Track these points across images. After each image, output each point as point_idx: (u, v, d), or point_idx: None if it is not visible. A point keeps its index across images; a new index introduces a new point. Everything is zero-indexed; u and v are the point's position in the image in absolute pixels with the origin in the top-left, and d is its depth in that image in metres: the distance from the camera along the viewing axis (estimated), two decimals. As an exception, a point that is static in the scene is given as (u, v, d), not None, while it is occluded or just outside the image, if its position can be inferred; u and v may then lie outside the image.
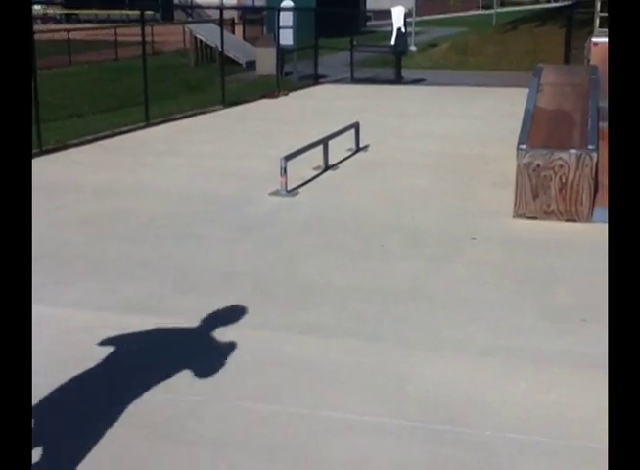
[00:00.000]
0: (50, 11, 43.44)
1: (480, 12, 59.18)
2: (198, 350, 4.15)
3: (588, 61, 10.00)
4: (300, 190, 7.65)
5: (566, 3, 47.51)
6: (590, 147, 6.58)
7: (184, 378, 3.82)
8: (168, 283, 5.15)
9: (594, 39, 9.95)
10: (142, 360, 4.02)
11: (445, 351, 4.16)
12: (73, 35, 22.97)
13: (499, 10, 46.87)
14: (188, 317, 4.55)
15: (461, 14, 58.26)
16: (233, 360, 4.03)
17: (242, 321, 4.52)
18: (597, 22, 10.47)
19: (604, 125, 7.54)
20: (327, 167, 8.54)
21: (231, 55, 19.70)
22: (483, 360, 4.04)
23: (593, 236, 6.18)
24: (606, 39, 9.68)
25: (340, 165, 8.82)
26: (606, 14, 10.17)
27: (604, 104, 8.09)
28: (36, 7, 11.86)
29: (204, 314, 4.61)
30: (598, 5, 10.52)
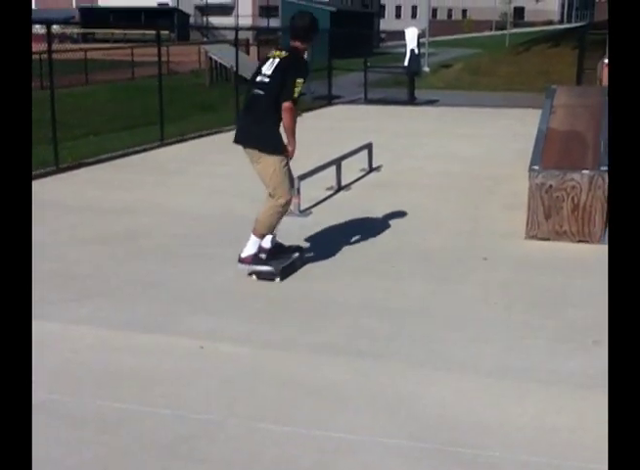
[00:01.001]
0: (67, 30, 43.93)
1: (493, 33, 59.42)
2: (208, 368, 4.17)
3: (600, 82, 10.04)
4: (313, 210, 7.69)
5: (578, 24, 47.66)
6: (603, 168, 6.59)
7: (196, 397, 3.85)
8: (180, 303, 5.19)
9: (606, 60, 9.99)
10: (152, 379, 4.05)
11: (455, 371, 4.16)
12: (90, 55, 23.22)
13: (512, 31, 47.06)
14: (199, 337, 4.58)
15: (474, 35, 58.49)
16: (244, 379, 4.05)
17: (253, 340, 4.54)
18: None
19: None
20: (340, 188, 8.58)
21: (245, 75, 19.82)
22: (493, 381, 4.04)
23: (605, 257, 6.16)
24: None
25: (352, 186, 8.86)
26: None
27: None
28: (55, 27, 11.97)
29: (215, 333, 4.64)
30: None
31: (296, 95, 5.25)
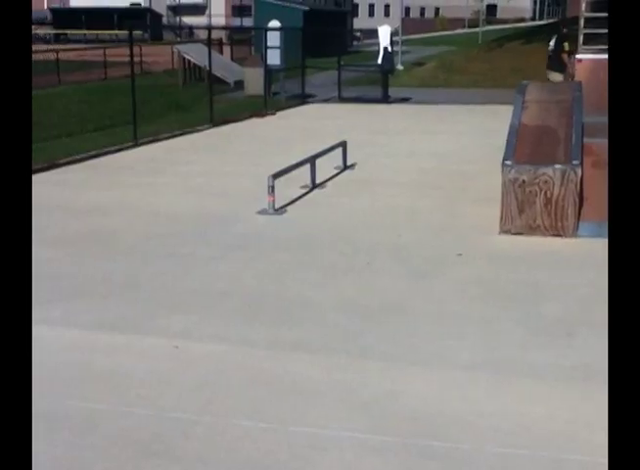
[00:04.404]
0: (40, 31, 43.58)
1: (466, 30, 59.68)
2: (183, 368, 4.15)
3: (572, 77, 10.11)
4: (288, 208, 7.69)
5: (550, 21, 47.95)
6: (575, 162, 6.65)
7: (171, 396, 3.83)
8: (155, 302, 5.16)
9: (578, 56, 10.07)
10: (127, 380, 4.02)
11: (430, 366, 4.18)
12: (62, 55, 23.03)
13: (485, 28, 47.33)
14: (174, 336, 4.56)
15: (447, 33, 58.73)
16: (219, 378, 4.04)
17: (228, 339, 4.53)
18: (581, 39, 10.58)
19: (588, 141, 7.61)
20: (314, 186, 8.58)
21: (219, 75, 19.78)
22: (468, 375, 4.06)
23: (578, 251, 6.23)
24: (590, 56, 9.80)
25: (327, 184, 8.86)
26: (590, 31, 10.29)
27: (589, 119, 8.17)
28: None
29: (190, 333, 4.62)
30: (582, 22, 10.64)
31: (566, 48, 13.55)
